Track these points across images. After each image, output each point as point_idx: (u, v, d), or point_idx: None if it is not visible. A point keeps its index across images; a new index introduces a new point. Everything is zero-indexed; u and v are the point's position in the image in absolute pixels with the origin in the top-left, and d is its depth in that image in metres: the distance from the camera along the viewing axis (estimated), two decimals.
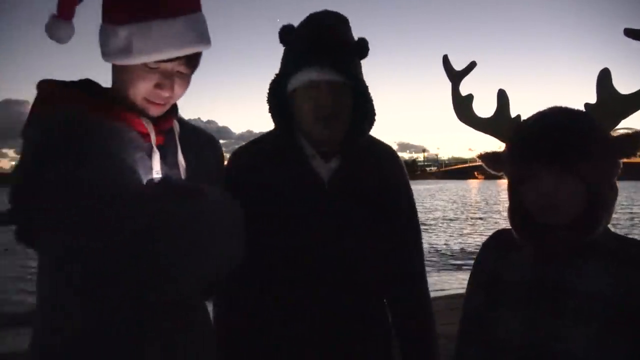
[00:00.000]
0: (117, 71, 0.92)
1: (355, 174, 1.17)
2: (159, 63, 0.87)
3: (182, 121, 1.06)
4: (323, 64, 1.06)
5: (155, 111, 0.93)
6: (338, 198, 1.14)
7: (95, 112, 0.87)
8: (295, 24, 1.17)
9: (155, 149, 0.92)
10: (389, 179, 1.23)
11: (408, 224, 1.28)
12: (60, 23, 0.87)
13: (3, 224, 0.85)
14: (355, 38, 1.17)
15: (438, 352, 1.26)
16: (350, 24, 1.18)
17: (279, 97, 1.15)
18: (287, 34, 1.14)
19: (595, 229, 0.90)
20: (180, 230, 0.80)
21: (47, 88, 0.90)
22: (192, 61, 0.92)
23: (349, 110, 1.13)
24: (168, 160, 0.96)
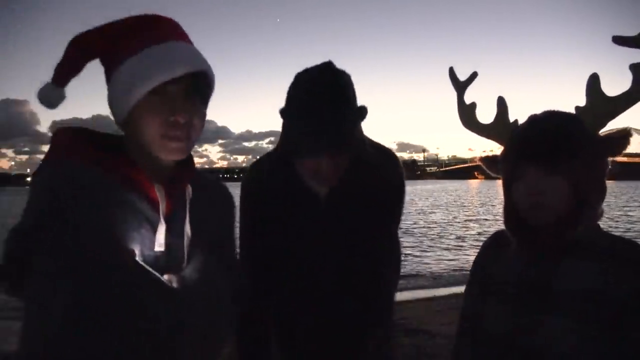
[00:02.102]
0: (128, 123, 0.89)
1: (350, 190, 1.24)
2: (162, 88, 0.85)
3: (198, 177, 1.01)
4: (323, 149, 1.11)
5: (176, 149, 0.88)
6: (333, 213, 1.25)
7: (108, 172, 0.84)
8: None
9: (162, 221, 0.87)
10: (385, 188, 1.30)
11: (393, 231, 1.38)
12: (54, 88, 0.88)
13: None
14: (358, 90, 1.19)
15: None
16: (351, 76, 1.16)
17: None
18: (285, 114, 1.17)
19: (577, 227, 0.92)
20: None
21: (62, 138, 0.86)
22: (197, 84, 0.89)
23: (346, 163, 1.19)
24: (175, 228, 0.90)
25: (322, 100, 1.08)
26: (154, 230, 0.86)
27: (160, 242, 0.86)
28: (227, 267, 0.98)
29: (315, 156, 1.13)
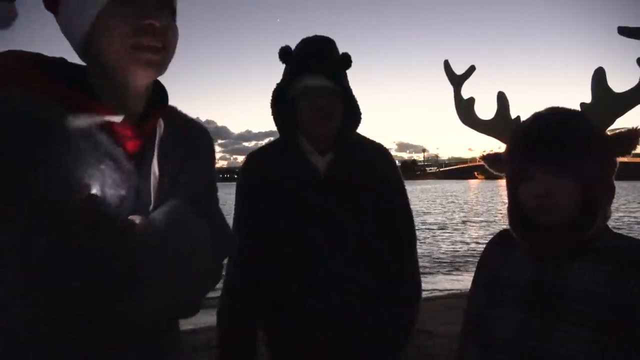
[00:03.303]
0: (88, 51, 0.78)
1: (348, 165, 1.35)
2: None
3: (173, 114, 0.92)
4: (315, 73, 1.28)
5: (152, 62, 0.77)
6: (333, 186, 1.33)
7: (62, 102, 0.73)
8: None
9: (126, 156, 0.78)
10: (379, 170, 1.41)
11: (400, 215, 1.42)
12: (2, 4, 0.77)
13: None
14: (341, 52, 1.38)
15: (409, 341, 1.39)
16: (345, 32, 1.48)
17: (282, 105, 1.36)
18: (285, 54, 1.36)
19: (590, 228, 0.90)
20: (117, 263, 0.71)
21: (8, 64, 0.74)
22: None
23: (340, 110, 1.33)
24: (142, 168, 0.81)
25: (318, 42, 1.34)
26: (118, 167, 0.77)
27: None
28: (206, 215, 0.86)
29: (317, 72, 1.27)
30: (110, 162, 0.76)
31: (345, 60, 1.35)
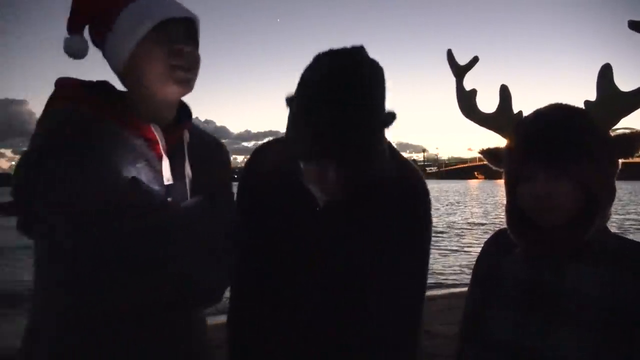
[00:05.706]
0: (129, 72, 0.95)
1: (357, 202, 1.06)
2: (164, 26, 0.93)
3: (196, 128, 1.10)
4: (325, 156, 0.92)
5: (182, 79, 0.95)
6: (331, 222, 1.09)
7: (104, 115, 0.91)
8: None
9: (164, 156, 0.96)
10: (391, 215, 1.07)
11: (408, 260, 1.12)
12: (73, 38, 0.96)
13: (5, 214, 0.88)
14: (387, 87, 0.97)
15: None
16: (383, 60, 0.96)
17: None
18: (291, 105, 0.97)
19: (590, 230, 0.89)
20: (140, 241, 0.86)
21: (62, 86, 0.95)
22: (191, 31, 0.98)
23: (360, 175, 1.00)
24: (175, 170, 0.98)
25: (334, 97, 0.87)
26: (152, 167, 0.94)
27: (167, 177, 0.96)
28: (221, 209, 1.03)
29: (315, 164, 0.94)
30: (144, 162, 0.93)
31: (384, 122, 0.97)
